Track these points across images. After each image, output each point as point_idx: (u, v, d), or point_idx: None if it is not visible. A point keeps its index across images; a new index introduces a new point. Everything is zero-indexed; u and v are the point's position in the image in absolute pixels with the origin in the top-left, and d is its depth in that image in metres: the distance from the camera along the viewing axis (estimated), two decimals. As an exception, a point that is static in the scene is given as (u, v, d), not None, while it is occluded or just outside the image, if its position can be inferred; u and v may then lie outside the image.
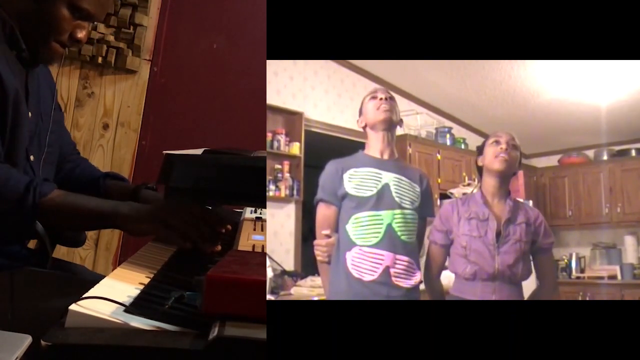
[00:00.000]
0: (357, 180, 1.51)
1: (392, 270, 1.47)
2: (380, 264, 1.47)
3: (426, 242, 1.70)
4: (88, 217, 1.42)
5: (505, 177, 1.62)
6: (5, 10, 1.52)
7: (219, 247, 1.42)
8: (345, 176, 1.52)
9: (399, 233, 1.49)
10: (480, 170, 1.66)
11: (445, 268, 1.69)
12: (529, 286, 1.64)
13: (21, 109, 1.51)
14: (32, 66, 1.60)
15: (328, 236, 1.54)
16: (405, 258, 1.49)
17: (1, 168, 1.40)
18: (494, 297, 1.57)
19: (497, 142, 1.61)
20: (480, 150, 1.67)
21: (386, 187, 1.51)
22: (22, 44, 1.54)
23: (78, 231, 1.69)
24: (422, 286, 1.58)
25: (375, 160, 1.55)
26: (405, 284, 1.49)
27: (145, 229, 1.41)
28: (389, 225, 1.48)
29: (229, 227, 1.51)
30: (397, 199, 1.51)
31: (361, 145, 1.62)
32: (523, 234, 1.58)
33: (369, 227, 1.48)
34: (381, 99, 1.56)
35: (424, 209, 1.57)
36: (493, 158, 1.60)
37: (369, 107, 1.58)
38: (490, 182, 1.62)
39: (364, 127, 1.60)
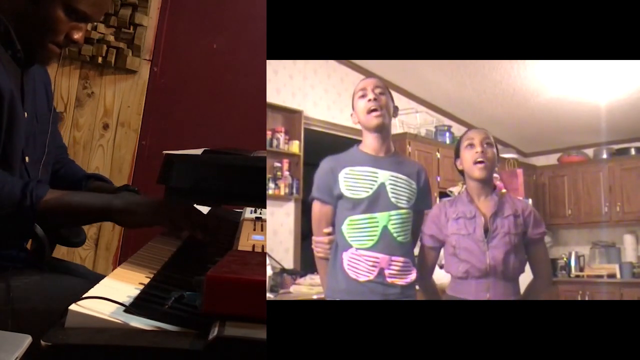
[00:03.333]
0: (353, 180, 1.48)
1: (387, 272, 1.46)
2: (376, 267, 1.46)
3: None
4: (83, 214, 1.45)
5: (489, 179, 1.62)
6: (0, 10, 1.52)
7: (206, 237, 1.47)
8: (340, 175, 1.49)
9: (394, 235, 1.48)
10: (461, 172, 1.66)
11: (442, 267, 1.69)
12: (523, 281, 1.64)
13: (17, 110, 1.50)
14: (27, 66, 1.60)
15: (328, 233, 1.53)
16: (401, 259, 1.48)
17: None
18: (488, 295, 1.56)
19: (472, 145, 1.60)
20: (456, 152, 1.66)
21: (382, 187, 1.48)
22: (17, 44, 1.53)
23: (75, 227, 1.71)
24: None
25: (371, 158, 1.52)
26: (401, 282, 1.49)
27: (135, 222, 1.44)
28: (385, 227, 1.47)
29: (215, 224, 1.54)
30: (393, 199, 1.48)
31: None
32: (512, 226, 1.57)
33: (365, 229, 1.47)
34: (370, 99, 1.50)
35: (422, 203, 1.56)
36: (471, 165, 1.59)
37: (359, 107, 1.52)
38: (473, 185, 1.61)
39: (357, 123, 1.56)
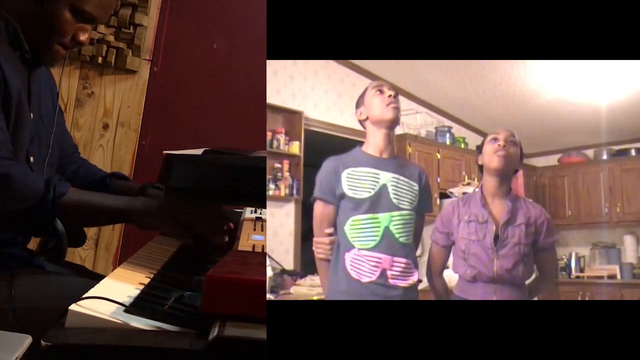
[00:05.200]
0: (355, 181, 1.49)
1: (389, 273, 1.46)
2: (378, 267, 1.46)
3: (426, 239, 1.69)
4: (103, 214, 1.48)
5: (504, 176, 1.60)
6: (8, 11, 1.52)
7: (227, 238, 1.51)
8: (343, 176, 1.49)
9: (397, 235, 1.48)
10: (481, 169, 1.65)
11: (448, 267, 1.69)
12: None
13: (23, 110, 1.52)
14: (34, 67, 1.61)
15: (330, 234, 1.53)
16: (403, 260, 1.48)
17: (20, 168, 1.43)
18: (494, 297, 1.56)
19: (495, 140, 1.59)
20: (480, 149, 1.66)
21: (384, 188, 1.48)
22: (25, 45, 1.54)
23: (92, 227, 1.73)
24: (421, 285, 1.58)
25: (374, 159, 1.52)
26: (403, 283, 1.49)
27: (156, 223, 1.48)
28: (387, 228, 1.47)
29: (232, 225, 1.57)
30: (395, 200, 1.49)
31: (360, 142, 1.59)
32: (522, 236, 1.56)
33: (367, 230, 1.47)
34: (390, 95, 1.51)
35: (422, 205, 1.56)
36: (491, 155, 1.58)
37: (374, 102, 1.53)
38: (490, 182, 1.61)
39: (364, 120, 1.56)
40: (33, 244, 1.70)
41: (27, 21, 1.53)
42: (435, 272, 1.68)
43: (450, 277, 1.70)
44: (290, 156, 3.41)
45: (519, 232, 1.56)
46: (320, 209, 1.53)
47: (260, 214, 1.95)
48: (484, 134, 1.66)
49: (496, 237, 1.56)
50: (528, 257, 1.58)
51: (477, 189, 1.64)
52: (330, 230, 1.52)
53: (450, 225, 1.62)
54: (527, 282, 1.65)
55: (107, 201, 1.48)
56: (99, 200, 1.47)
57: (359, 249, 1.47)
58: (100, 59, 3.02)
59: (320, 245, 1.54)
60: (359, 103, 1.58)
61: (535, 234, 1.59)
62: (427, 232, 1.65)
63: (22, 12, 1.52)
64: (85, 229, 1.78)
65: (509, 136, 1.60)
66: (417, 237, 1.56)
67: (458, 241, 1.60)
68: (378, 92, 1.53)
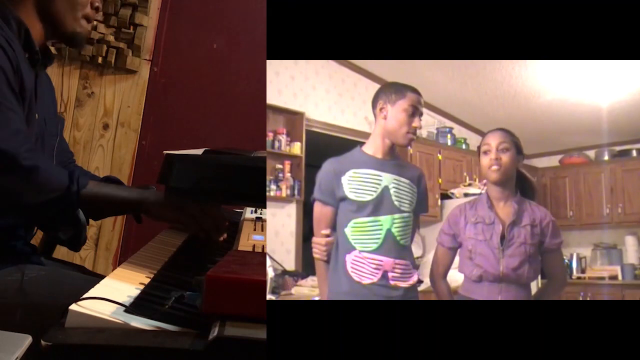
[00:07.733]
0: (357, 183, 1.48)
1: (390, 275, 1.47)
2: (380, 269, 1.46)
3: (431, 241, 1.69)
4: (119, 204, 1.57)
5: (505, 182, 1.61)
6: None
7: (225, 236, 1.57)
8: (344, 178, 1.48)
9: (398, 238, 1.48)
10: None
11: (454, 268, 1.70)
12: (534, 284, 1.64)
13: (32, 108, 1.57)
14: (39, 71, 1.64)
15: (327, 235, 1.53)
16: (403, 261, 1.49)
17: (45, 160, 1.49)
18: (500, 297, 1.57)
19: (487, 152, 1.59)
20: (478, 153, 1.66)
21: (386, 190, 1.48)
22: (35, 46, 1.57)
23: (107, 217, 1.85)
24: (422, 286, 1.58)
25: (375, 160, 1.51)
26: (404, 284, 1.49)
27: (166, 214, 1.55)
28: (389, 231, 1.47)
29: (227, 222, 1.61)
30: (396, 202, 1.48)
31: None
32: (528, 237, 1.57)
33: (369, 232, 1.47)
34: (415, 126, 1.49)
35: (419, 207, 1.56)
36: (487, 170, 1.59)
37: (399, 117, 1.49)
38: (493, 189, 1.62)
39: (379, 116, 1.52)
40: (36, 238, 1.72)
41: (53, 2, 1.58)
42: (439, 273, 1.68)
43: (454, 278, 1.70)
44: (292, 157, 3.41)
45: (525, 233, 1.58)
46: (318, 210, 1.53)
47: (261, 214, 1.95)
48: (485, 135, 1.64)
49: (502, 238, 1.57)
50: (533, 258, 1.59)
51: (483, 191, 1.65)
52: (327, 231, 1.52)
53: (457, 227, 1.63)
54: (537, 286, 1.66)
55: (122, 193, 1.57)
56: (114, 192, 1.55)
57: (360, 251, 1.47)
58: (100, 59, 3.02)
59: (317, 246, 1.54)
60: (389, 98, 1.52)
61: (541, 236, 1.60)
62: (429, 232, 1.65)
63: None
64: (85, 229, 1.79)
65: (500, 143, 1.59)
66: (412, 237, 1.57)
67: (465, 241, 1.61)
68: (410, 113, 1.49)
